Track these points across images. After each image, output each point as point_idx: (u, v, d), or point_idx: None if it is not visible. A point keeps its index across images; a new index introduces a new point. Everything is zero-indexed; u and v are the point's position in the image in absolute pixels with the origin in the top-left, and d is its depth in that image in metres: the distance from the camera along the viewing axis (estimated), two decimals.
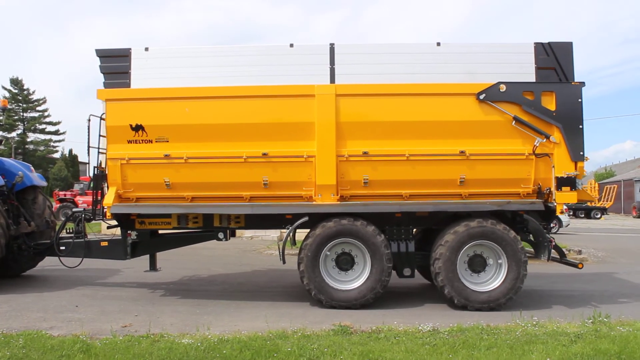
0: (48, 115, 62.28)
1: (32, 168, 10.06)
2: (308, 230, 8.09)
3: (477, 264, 7.84)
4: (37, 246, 9.29)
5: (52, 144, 62.60)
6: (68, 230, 9.10)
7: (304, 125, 7.82)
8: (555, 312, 7.54)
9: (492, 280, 7.79)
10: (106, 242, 8.82)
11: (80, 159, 54.58)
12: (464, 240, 7.62)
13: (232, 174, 7.88)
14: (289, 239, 7.98)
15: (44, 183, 10.21)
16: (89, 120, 8.87)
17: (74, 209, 9.25)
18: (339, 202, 7.81)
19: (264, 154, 7.80)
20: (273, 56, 8.04)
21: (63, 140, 65.71)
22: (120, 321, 6.96)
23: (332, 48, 7.96)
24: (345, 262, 7.87)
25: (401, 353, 5.38)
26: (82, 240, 8.89)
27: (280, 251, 7.79)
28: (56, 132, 62.92)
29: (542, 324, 6.60)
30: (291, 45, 8.02)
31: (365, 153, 7.78)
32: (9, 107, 10.04)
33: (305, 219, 7.74)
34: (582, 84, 7.82)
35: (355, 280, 7.81)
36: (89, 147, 8.94)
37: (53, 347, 5.62)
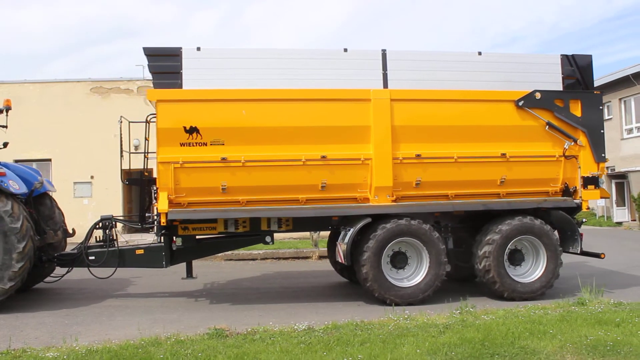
0: None
1: (41, 172, 9.22)
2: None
3: (517, 259, 8.47)
4: (63, 257, 8.57)
5: None
6: (97, 239, 8.52)
7: (361, 129, 8.01)
8: (426, 307, 7.69)
9: (531, 272, 8.44)
10: (142, 250, 8.36)
11: None
12: (511, 237, 8.16)
13: (291, 176, 7.87)
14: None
15: (53, 189, 9.42)
16: (121, 122, 8.44)
17: (102, 216, 8.62)
18: (396, 203, 8.09)
19: (323, 157, 7.88)
20: (327, 60, 8.17)
21: None
22: None
23: (384, 54, 8.24)
24: (400, 261, 8.15)
25: (276, 354, 5.32)
26: (116, 249, 8.38)
27: (346, 253, 7.81)
28: None
29: (414, 317, 6.75)
30: (345, 50, 8.18)
31: (418, 155, 8.12)
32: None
33: (368, 220, 7.90)
34: (602, 92, 8.75)
35: (413, 277, 8.11)
36: (121, 151, 8.51)
37: None
